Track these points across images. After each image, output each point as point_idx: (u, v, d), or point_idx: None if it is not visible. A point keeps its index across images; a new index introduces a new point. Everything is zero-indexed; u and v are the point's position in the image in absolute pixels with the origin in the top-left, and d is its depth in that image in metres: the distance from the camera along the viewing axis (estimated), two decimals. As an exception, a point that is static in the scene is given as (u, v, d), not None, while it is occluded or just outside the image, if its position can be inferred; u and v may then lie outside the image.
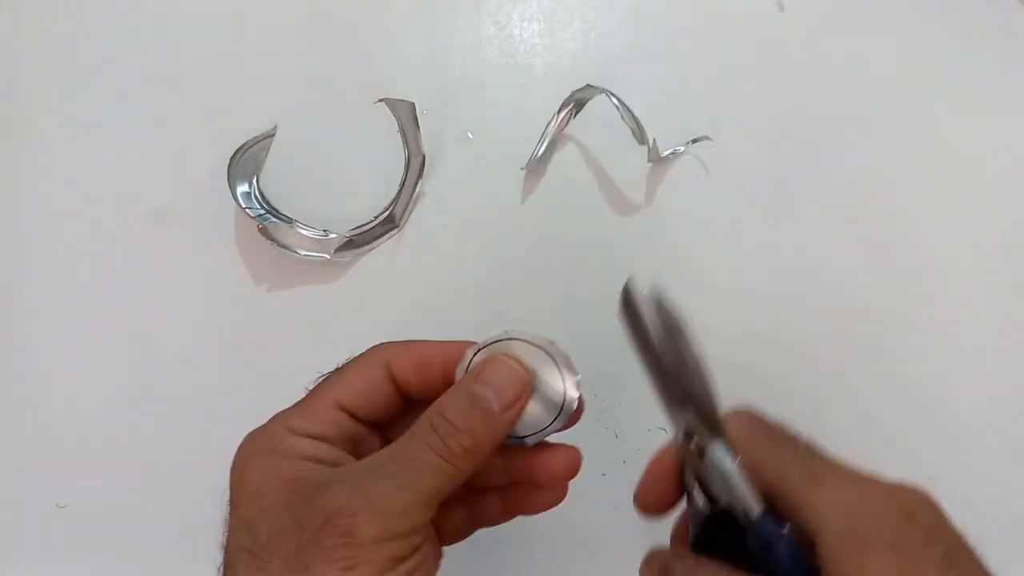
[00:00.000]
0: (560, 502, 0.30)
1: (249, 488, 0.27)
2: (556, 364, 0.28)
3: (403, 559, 0.25)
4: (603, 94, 0.44)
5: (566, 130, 0.46)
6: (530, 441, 0.29)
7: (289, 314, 0.45)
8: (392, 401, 0.30)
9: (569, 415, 0.29)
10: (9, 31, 0.49)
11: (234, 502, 0.27)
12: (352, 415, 0.29)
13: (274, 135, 0.46)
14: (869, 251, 0.45)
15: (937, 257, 0.45)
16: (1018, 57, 0.48)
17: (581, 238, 0.45)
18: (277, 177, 0.46)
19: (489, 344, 0.29)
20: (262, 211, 0.45)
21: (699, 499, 0.27)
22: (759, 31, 0.48)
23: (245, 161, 0.45)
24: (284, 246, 0.44)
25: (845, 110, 0.47)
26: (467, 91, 0.48)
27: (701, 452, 0.27)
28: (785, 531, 0.25)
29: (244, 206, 0.44)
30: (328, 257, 0.44)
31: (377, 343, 0.30)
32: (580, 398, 0.29)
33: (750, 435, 0.27)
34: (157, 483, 0.43)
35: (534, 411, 0.28)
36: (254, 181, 0.45)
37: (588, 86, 0.44)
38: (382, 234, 0.45)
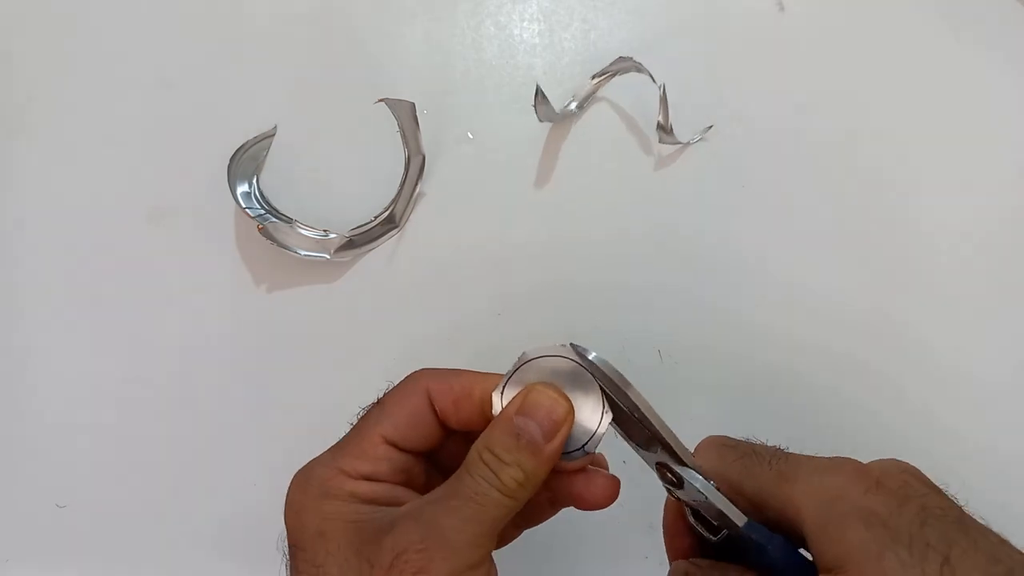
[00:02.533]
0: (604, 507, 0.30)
1: (310, 531, 0.27)
2: (575, 370, 0.29)
3: None
4: (624, 76, 0.44)
5: (570, 128, 0.46)
6: (576, 456, 0.29)
7: (289, 314, 0.45)
8: (435, 430, 0.30)
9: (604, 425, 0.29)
10: (9, 31, 0.49)
11: (297, 545, 0.28)
12: (399, 448, 0.29)
13: (274, 135, 0.46)
14: (867, 251, 0.45)
15: (937, 256, 0.45)
16: (1019, 57, 0.48)
17: (582, 238, 0.45)
18: (277, 177, 0.46)
19: (514, 372, 0.29)
20: (262, 211, 0.45)
21: (704, 532, 0.28)
22: (759, 31, 0.48)
23: (245, 161, 0.45)
24: (284, 246, 0.44)
25: (845, 110, 0.47)
26: (467, 91, 0.48)
27: (680, 482, 0.28)
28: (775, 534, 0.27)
29: (244, 206, 0.44)
30: (328, 257, 0.44)
31: (417, 369, 0.31)
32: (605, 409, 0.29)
33: (720, 459, 0.29)
34: (157, 483, 0.43)
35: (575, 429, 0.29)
36: (254, 181, 0.45)
37: (632, 59, 0.44)
38: (382, 234, 0.45)
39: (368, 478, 0.29)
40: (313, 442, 0.36)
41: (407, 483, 0.30)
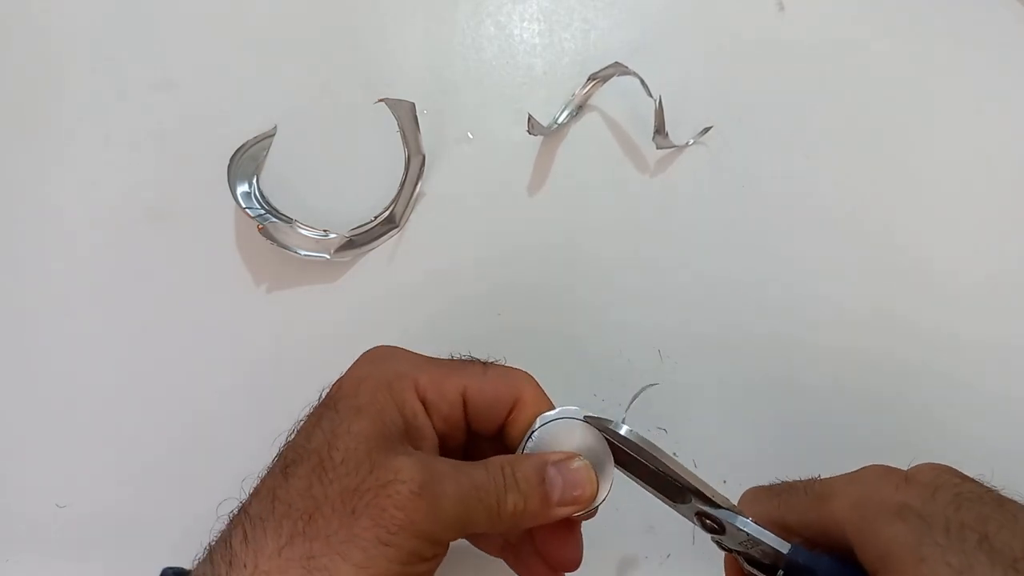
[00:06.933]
0: None
1: (356, 402, 0.28)
2: (606, 465, 0.30)
3: (423, 560, 0.26)
4: (622, 77, 0.45)
5: (569, 130, 0.46)
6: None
7: (289, 314, 0.45)
8: (499, 424, 0.31)
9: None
10: (9, 31, 0.49)
11: (334, 404, 0.29)
12: (465, 409, 0.30)
13: (274, 135, 0.46)
14: (868, 251, 0.45)
15: (937, 259, 0.45)
16: (1019, 58, 0.48)
17: (583, 237, 0.45)
18: (277, 177, 0.46)
19: (552, 421, 0.30)
20: (262, 211, 0.45)
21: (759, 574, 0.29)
22: (759, 31, 0.48)
23: (245, 161, 0.45)
24: (284, 246, 0.44)
25: (845, 110, 0.47)
26: (467, 91, 0.48)
27: (721, 527, 0.29)
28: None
29: (244, 206, 0.44)
30: (328, 257, 0.44)
31: (520, 371, 0.32)
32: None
33: (759, 503, 0.30)
34: (157, 483, 0.43)
35: None
36: (254, 181, 0.45)
37: (626, 67, 0.44)
38: (382, 234, 0.45)
39: (426, 405, 0.29)
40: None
41: (443, 439, 0.30)
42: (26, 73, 0.48)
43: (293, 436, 0.29)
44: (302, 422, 0.29)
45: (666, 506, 0.31)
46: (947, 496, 0.24)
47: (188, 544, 0.42)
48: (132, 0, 0.49)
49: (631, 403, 0.31)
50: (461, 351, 0.33)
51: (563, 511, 0.29)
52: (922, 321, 0.44)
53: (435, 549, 0.27)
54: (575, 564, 0.31)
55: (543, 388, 0.32)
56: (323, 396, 0.30)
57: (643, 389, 0.32)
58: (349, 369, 0.30)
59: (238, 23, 0.49)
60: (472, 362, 0.32)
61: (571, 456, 0.30)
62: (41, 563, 0.42)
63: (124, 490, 0.43)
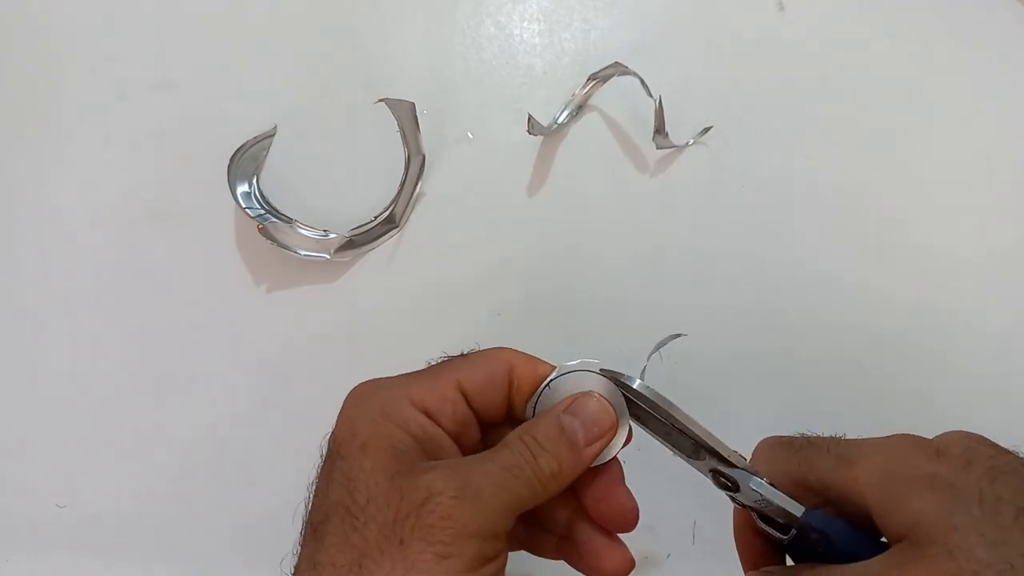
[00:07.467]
0: None
1: (357, 441, 0.27)
2: (612, 390, 0.30)
3: (489, 560, 0.26)
4: (622, 77, 0.45)
5: (569, 130, 0.46)
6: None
7: (289, 314, 0.45)
8: (503, 401, 0.30)
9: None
10: (9, 30, 0.49)
11: (338, 452, 0.28)
12: (467, 400, 0.30)
13: (274, 135, 0.46)
14: (865, 254, 0.45)
15: (938, 259, 0.45)
16: (1019, 58, 0.48)
17: (582, 237, 0.45)
18: (277, 177, 0.46)
19: (567, 373, 0.30)
20: (262, 211, 0.45)
21: (774, 533, 0.28)
22: (759, 31, 0.48)
23: (245, 161, 0.45)
24: (284, 246, 0.44)
25: (845, 110, 0.47)
26: (467, 91, 0.48)
27: (735, 485, 0.29)
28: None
29: (244, 206, 0.44)
30: (328, 257, 0.44)
31: (498, 347, 0.31)
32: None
33: (776, 457, 0.29)
34: (157, 483, 0.43)
35: None
36: (254, 181, 0.45)
37: (626, 67, 0.44)
38: (382, 234, 0.45)
39: (429, 414, 0.29)
40: (312, 441, 0.37)
41: (458, 439, 0.30)
42: (26, 73, 0.48)
43: (311, 499, 0.28)
44: (314, 484, 0.29)
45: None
46: (981, 469, 0.23)
47: (188, 544, 0.43)
48: (132, 0, 0.49)
49: (652, 352, 0.31)
50: (462, 351, 0.33)
51: (593, 449, 0.29)
52: (921, 320, 0.44)
53: (495, 545, 0.26)
54: (633, 512, 0.30)
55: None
56: (324, 452, 0.29)
57: (669, 338, 0.31)
58: (338, 416, 0.29)
59: (238, 23, 0.49)
60: (451, 358, 0.31)
61: (575, 398, 0.29)
62: (41, 563, 0.42)
63: (124, 490, 0.43)
